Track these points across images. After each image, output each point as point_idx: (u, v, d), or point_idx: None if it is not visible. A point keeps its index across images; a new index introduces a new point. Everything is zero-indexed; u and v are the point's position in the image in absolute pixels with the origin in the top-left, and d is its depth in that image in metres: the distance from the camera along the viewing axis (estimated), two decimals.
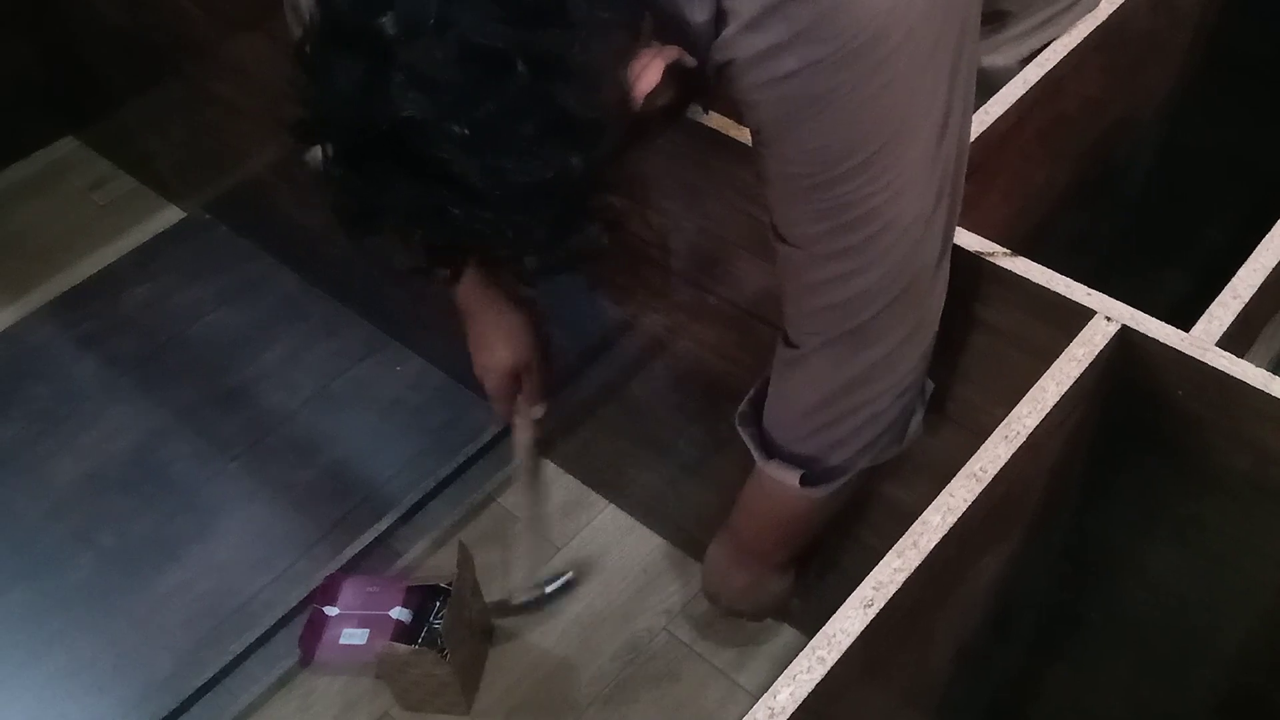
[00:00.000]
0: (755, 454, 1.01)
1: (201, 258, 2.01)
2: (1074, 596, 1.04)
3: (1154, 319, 0.84)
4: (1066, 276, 0.88)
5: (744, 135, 0.99)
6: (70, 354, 1.87)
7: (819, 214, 0.81)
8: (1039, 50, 1.14)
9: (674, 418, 1.39)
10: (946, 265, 0.87)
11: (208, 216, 2.07)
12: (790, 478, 0.97)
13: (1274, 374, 0.80)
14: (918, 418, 0.96)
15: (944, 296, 0.89)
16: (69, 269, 1.99)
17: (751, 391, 1.01)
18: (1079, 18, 1.15)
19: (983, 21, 1.15)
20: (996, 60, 1.18)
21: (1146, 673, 1.04)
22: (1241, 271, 0.88)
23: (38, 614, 1.55)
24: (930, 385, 0.95)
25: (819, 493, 0.97)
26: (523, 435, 1.36)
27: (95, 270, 1.99)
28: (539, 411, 1.33)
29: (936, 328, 0.89)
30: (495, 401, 1.31)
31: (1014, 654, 1.11)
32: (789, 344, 0.92)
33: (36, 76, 2.11)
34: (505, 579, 1.49)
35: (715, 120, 1.01)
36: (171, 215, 2.09)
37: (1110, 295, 0.87)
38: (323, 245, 1.82)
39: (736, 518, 1.13)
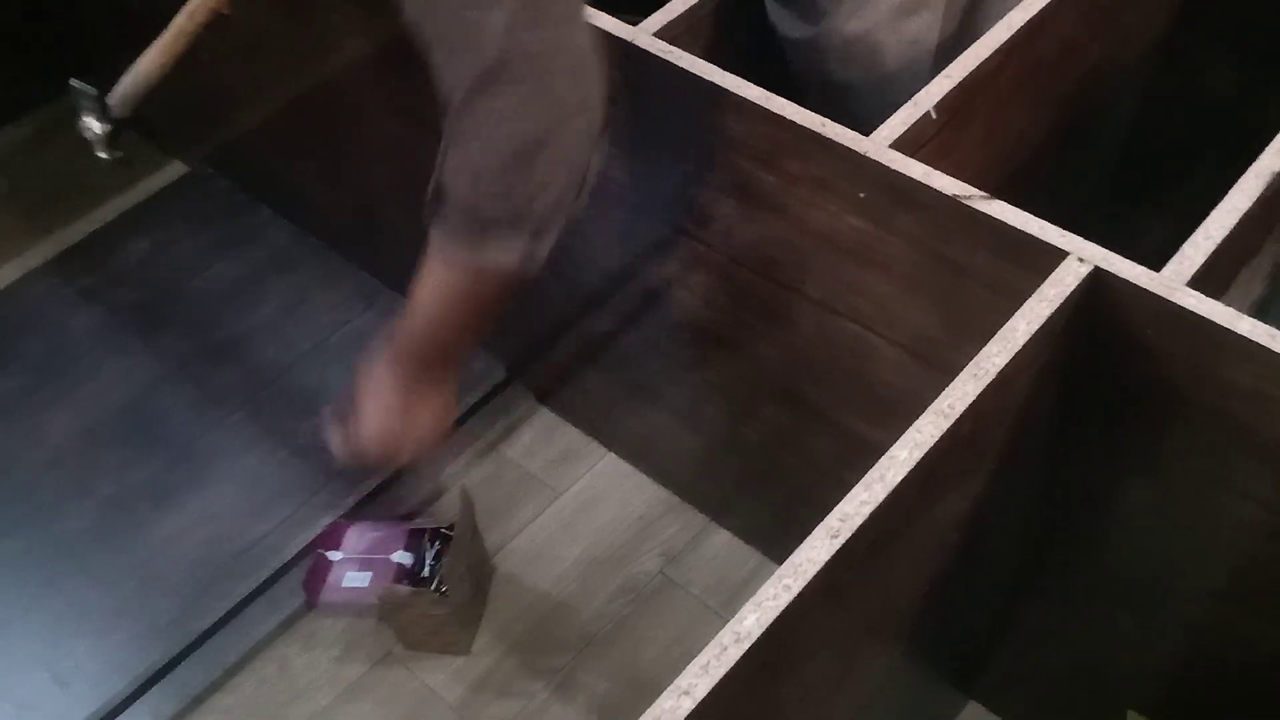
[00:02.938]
0: (438, 232, 0.96)
1: (202, 212, 2.02)
2: (1048, 531, 1.07)
3: (1125, 260, 0.85)
4: (1044, 220, 0.89)
5: (723, 79, 1.01)
6: (71, 307, 1.89)
7: None
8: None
9: (667, 366, 1.41)
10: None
11: (209, 170, 2.09)
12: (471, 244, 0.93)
13: (1250, 316, 0.82)
14: (594, 165, 0.93)
15: (587, 34, 0.87)
16: (71, 224, 2.01)
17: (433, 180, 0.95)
18: None
19: None
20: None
21: (1121, 605, 1.06)
22: (1215, 213, 0.89)
23: (40, 559, 1.58)
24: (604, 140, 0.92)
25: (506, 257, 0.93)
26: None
27: (97, 225, 2.01)
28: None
29: (591, 59, 0.87)
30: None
31: (988, 587, 1.14)
32: (446, 108, 0.88)
33: (35, 32, 2.12)
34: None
35: (699, 67, 1.02)
36: (174, 170, 2.10)
37: (1091, 240, 0.88)
38: (322, 198, 1.84)
39: (405, 321, 1.05)
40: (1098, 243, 0.87)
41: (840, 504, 0.71)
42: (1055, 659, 1.20)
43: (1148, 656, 1.10)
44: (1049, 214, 0.90)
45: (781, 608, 0.66)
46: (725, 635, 0.65)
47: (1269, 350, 0.79)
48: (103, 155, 1.35)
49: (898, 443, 0.75)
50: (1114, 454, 0.94)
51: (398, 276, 1.86)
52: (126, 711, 1.43)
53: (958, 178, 0.92)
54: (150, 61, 1.29)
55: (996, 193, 0.91)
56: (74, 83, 1.32)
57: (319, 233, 1.94)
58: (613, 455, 1.67)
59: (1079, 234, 0.88)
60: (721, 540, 1.56)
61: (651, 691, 1.50)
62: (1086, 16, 1.19)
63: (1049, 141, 1.28)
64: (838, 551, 0.69)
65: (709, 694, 0.64)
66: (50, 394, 1.77)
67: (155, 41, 1.29)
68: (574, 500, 1.62)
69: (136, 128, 1.93)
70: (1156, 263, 0.87)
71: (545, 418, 1.72)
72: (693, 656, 1.51)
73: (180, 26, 1.28)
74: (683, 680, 0.64)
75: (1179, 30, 1.43)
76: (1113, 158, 1.53)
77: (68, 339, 1.85)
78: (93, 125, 1.33)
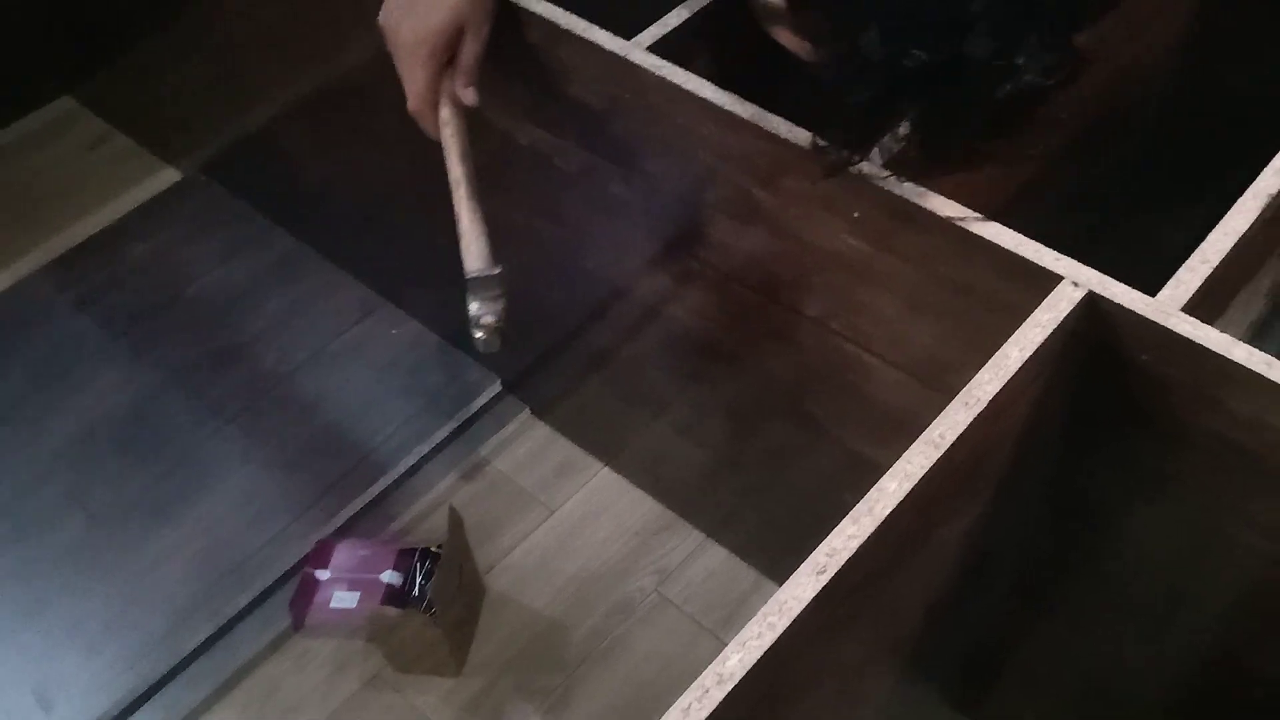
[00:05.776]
0: None
1: (198, 219, 2.01)
2: (1053, 553, 1.05)
3: (1120, 284, 0.83)
4: (1056, 237, 0.87)
5: (716, 96, 0.99)
6: (65, 314, 1.88)
7: None
8: None
9: (664, 381, 1.40)
10: None
11: (204, 177, 2.07)
12: None
13: (1248, 341, 0.80)
14: None
15: None
16: (66, 229, 2.00)
17: None
18: None
19: None
20: None
21: (1128, 626, 1.04)
22: (1212, 235, 0.87)
23: (28, 576, 1.56)
24: None
25: None
26: (453, 132, 1.02)
27: (92, 231, 2.00)
28: (472, 96, 1.01)
29: None
30: (415, 82, 0.99)
31: (991, 609, 1.12)
32: None
33: (35, 35, 2.10)
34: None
35: (692, 83, 1.00)
36: (169, 176, 2.09)
37: (1108, 255, 0.86)
38: (319, 206, 1.82)
39: None
40: (1112, 258, 0.85)
41: (827, 539, 0.69)
42: (1058, 681, 1.18)
43: (1151, 680, 1.08)
44: (1064, 229, 0.88)
45: (766, 647, 0.64)
46: (708, 677, 0.63)
47: (1265, 379, 0.77)
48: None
49: (887, 474, 0.73)
50: (1119, 477, 0.93)
51: (396, 286, 1.86)
52: None
53: (965, 193, 0.90)
54: (468, 219, 1.04)
55: (1005, 208, 0.89)
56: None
57: (316, 242, 1.93)
58: (609, 470, 1.65)
59: (1095, 248, 0.86)
60: (719, 557, 1.54)
61: (645, 713, 1.48)
62: (1123, 19, 1.15)
63: (1066, 152, 1.26)
64: (824, 588, 0.67)
65: None
66: (43, 402, 1.76)
67: (457, 205, 1.04)
68: (569, 517, 1.60)
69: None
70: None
71: (541, 431, 1.70)
72: (688, 677, 1.48)
73: (457, 176, 1.03)
74: None
75: (1213, 29, 1.40)
76: (1136, 166, 1.50)
77: (63, 344, 1.83)
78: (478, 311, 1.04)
